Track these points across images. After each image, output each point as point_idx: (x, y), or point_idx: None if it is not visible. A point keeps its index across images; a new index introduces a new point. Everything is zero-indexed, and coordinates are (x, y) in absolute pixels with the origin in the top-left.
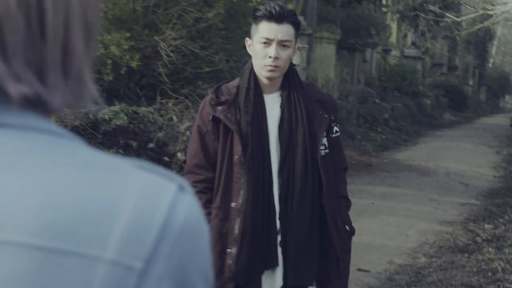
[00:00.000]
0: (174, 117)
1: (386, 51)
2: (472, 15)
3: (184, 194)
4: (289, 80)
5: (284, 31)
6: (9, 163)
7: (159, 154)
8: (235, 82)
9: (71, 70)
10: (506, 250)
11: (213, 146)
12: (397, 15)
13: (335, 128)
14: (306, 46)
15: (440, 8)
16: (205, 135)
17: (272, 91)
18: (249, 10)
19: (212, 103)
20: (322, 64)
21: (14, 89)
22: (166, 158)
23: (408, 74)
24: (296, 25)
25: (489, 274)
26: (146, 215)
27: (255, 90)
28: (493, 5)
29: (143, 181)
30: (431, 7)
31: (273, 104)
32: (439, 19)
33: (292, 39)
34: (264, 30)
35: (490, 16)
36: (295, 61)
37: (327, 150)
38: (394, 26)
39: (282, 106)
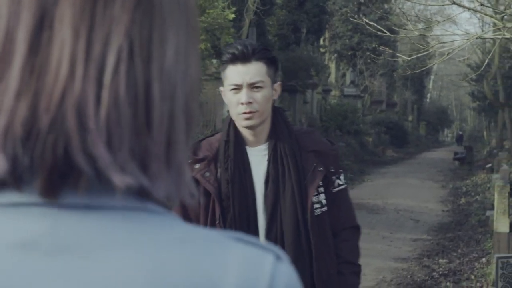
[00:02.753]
0: None
1: (326, 91)
2: (424, 53)
3: (282, 264)
4: (276, 130)
5: (252, 71)
6: (108, 245)
7: None
8: (218, 136)
9: (173, 161)
10: (464, 284)
11: (194, 209)
12: (335, 55)
13: (338, 181)
14: None
15: (377, 46)
16: None
17: (259, 143)
18: None
19: (189, 161)
20: None
21: (119, 179)
22: None
23: (348, 113)
24: (269, 61)
25: None
26: None
27: (236, 143)
28: (428, 42)
29: (241, 254)
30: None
31: (259, 159)
32: (378, 57)
33: (265, 77)
34: (230, 75)
35: (432, 52)
36: None
37: (324, 208)
38: (332, 66)
39: (268, 160)
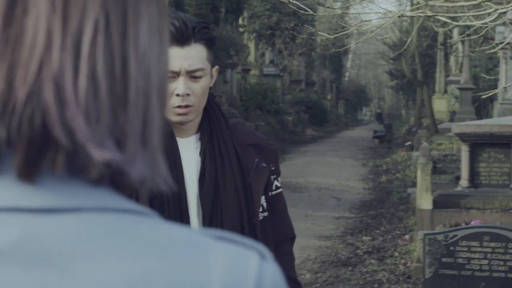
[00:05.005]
0: None
1: (246, 70)
2: (344, 32)
3: (266, 262)
4: (209, 118)
5: (192, 56)
6: (87, 252)
7: None
8: None
9: (149, 142)
10: (388, 261)
11: None
12: (254, 34)
13: (276, 183)
14: None
15: (295, 25)
16: None
17: (188, 134)
18: None
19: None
20: None
21: (98, 154)
22: None
23: (268, 92)
24: (209, 43)
25: (375, 285)
26: None
27: (165, 133)
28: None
29: (225, 255)
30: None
31: (190, 152)
32: (298, 36)
33: (205, 63)
34: None
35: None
36: None
37: (265, 213)
38: (251, 45)
39: (202, 154)
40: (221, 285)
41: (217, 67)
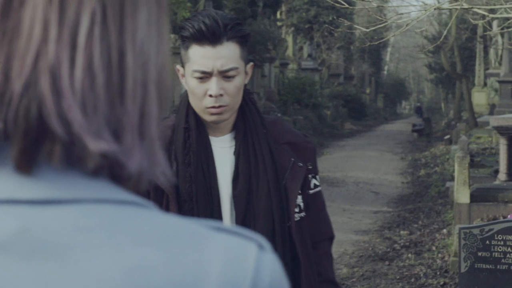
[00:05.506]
0: None
1: (284, 64)
2: (381, 25)
3: (265, 253)
4: (244, 116)
5: (224, 56)
6: (85, 244)
7: None
8: (169, 121)
9: (147, 134)
10: (426, 255)
11: None
12: (292, 28)
13: (314, 181)
14: None
15: (334, 19)
16: None
17: (223, 133)
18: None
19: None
20: None
21: (93, 145)
22: None
23: (306, 86)
24: (242, 40)
25: (412, 280)
26: (233, 283)
27: (198, 131)
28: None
29: (223, 246)
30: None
31: (224, 151)
32: (335, 29)
33: (239, 62)
34: (196, 58)
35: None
36: None
37: (303, 214)
38: (289, 39)
39: (236, 153)
40: (220, 276)
41: (251, 63)
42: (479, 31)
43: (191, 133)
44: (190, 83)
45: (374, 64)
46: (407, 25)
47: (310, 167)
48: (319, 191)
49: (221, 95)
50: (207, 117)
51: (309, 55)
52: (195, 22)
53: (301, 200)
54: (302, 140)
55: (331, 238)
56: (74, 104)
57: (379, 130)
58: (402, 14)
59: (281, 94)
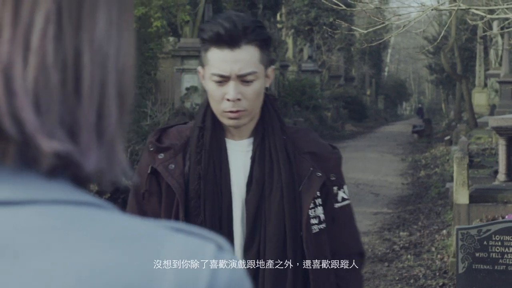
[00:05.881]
0: None
1: (284, 66)
2: (379, 26)
3: (224, 253)
4: (264, 121)
5: (242, 60)
6: (39, 244)
7: None
8: (191, 124)
9: (105, 134)
10: (425, 256)
11: (154, 212)
12: (292, 30)
13: (341, 195)
14: None
15: (334, 20)
16: (143, 198)
17: (242, 137)
18: (150, 36)
19: (151, 149)
20: None
21: (46, 144)
22: None
23: (307, 88)
24: (263, 43)
25: (411, 281)
26: (189, 282)
27: (213, 132)
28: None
29: (180, 246)
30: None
31: (240, 155)
32: (334, 31)
33: (258, 66)
34: (214, 61)
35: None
36: None
37: (323, 225)
38: (289, 41)
39: (252, 158)
40: (175, 276)
41: (273, 67)
42: (479, 31)
43: (205, 133)
44: (208, 86)
45: (375, 65)
46: (404, 26)
47: (333, 179)
48: (348, 205)
49: (239, 99)
50: (225, 121)
51: (309, 57)
52: (214, 25)
53: (321, 212)
54: (326, 150)
55: (360, 254)
56: (26, 104)
57: (379, 132)
58: (401, 15)
59: (282, 96)
